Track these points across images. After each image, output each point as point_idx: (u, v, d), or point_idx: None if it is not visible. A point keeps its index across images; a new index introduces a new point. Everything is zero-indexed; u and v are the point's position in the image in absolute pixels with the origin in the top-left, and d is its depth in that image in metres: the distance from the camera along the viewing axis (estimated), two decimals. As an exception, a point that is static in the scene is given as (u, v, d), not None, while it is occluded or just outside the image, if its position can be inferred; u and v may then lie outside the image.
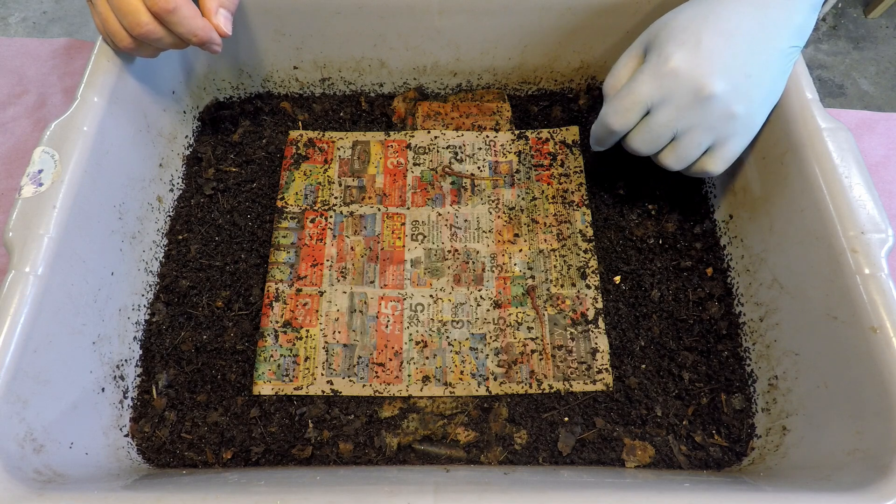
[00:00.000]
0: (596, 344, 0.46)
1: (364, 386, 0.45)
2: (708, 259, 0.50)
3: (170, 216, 0.52)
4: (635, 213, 0.52)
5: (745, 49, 0.41)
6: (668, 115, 0.42)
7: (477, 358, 0.46)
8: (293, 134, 0.56)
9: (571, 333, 0.47)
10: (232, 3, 0.44)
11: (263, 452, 0.43)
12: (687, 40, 0.41)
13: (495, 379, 0.45)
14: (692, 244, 0.51)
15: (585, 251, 0.50)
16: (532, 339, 0.47)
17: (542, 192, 0.53)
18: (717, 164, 0.44)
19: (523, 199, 0.53)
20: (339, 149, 0.56)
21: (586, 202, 0.52)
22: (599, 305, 0.48)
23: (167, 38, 0.42)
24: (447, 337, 0.47)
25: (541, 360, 0.46)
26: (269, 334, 0.47)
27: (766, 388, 0.44)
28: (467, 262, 0.50)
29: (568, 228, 0.51)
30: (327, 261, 0.50)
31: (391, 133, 0.56)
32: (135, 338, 0.46)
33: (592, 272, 0.49)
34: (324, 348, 0.46)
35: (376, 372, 0.46)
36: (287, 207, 0.52)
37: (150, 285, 0.49)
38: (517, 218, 0.52)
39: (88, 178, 0.41)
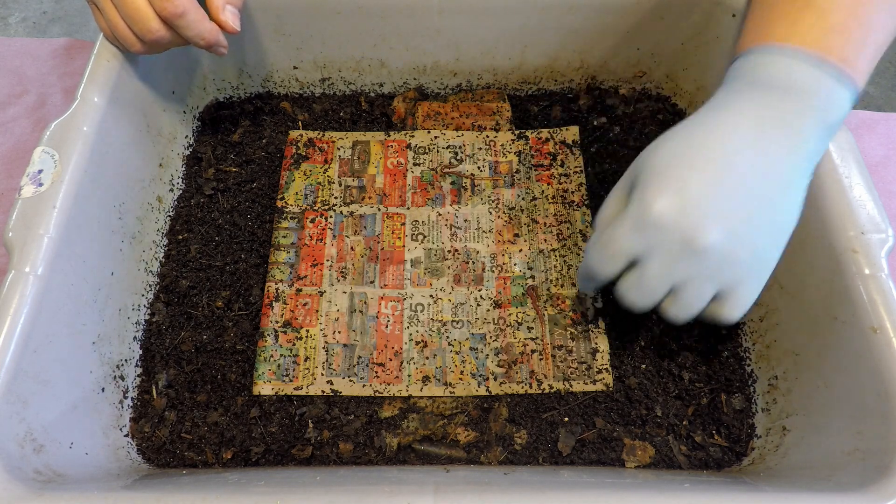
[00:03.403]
0: (596, 344, 0.46)
1: (364, 386, 0.45)
2: (708, 259, 0.50)
3: (170, 216, 0.52)
4: (635, 213, 0.52)
5: (742, 188, 0.34)
6: (660, 269, 0.35)
7: (477, 358, 0.46)
8: (293, 134, 0.56)
9: (571, 333, 0.47)
10: None
11: (263, 452, 0.43)
12: (670, 184, 0.34)
13: (495, 379, 0.45)
14: (692, 244, 0.51)
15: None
16: (532, 339, 0.47)
17: (542, 192, 0.53)
18: (731, 312, 0.36)
19: (523, 199, 0.53)
20: (339, 149, 0.56)
21: (586, 202, 0.52)
22: (599, 305, 0.48)
23: (176, 40, 0.42)
24: (447, 337, 0.47)
25: (541, 360, 0.46)
26: (269, 334, 0.47)
27: (766, 388, 0.44)
28: (467, 262, 0.50)
29: (568, 228, 0.51)
30: (327, 261, 0.50)
31: (391, 133, 0.56)
32: (135, 338, 0.46)
33: (592, 272, 0.49)
34: (324, 348, 0.46)
35: (376, 372, 0.46)
36: (287, 207, 0.52)
37: (150, 285, 0.49)
38: (517, 218, 0.52)
39: (88, 178, 0.41)
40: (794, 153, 0.34)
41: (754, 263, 0.35)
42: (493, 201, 0.53)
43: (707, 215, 0.34)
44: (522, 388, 0.45)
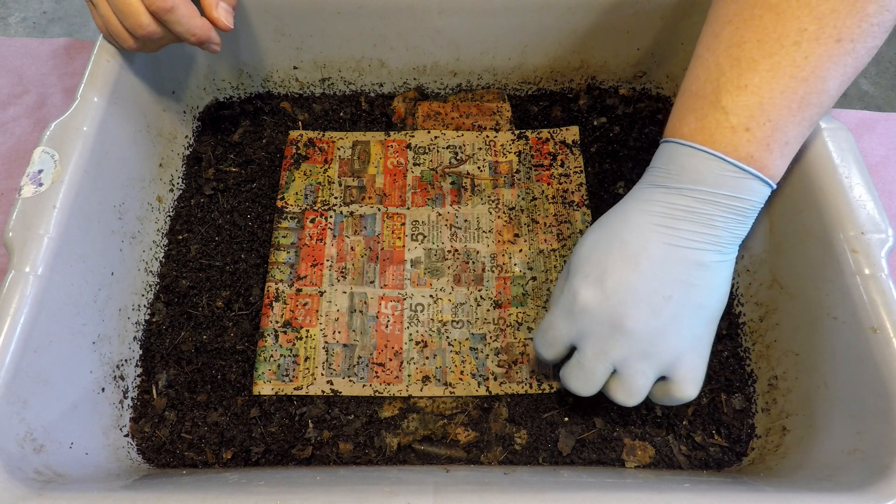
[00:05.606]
0: (596, 344, 0.46)
1: (364, 386, 0.45)
2: (708, 259, 0.50)
3: (170, 216, 0.52)
4: (635, 213, 0.52)
5: (657, 272, 0.36)
6: (595, 348, 0.37)
7: (477, 358, 0.46)
8: (293, 134, 0.56)
9: (571, 333, 0.47)
10: None
11: (263, 452, 0.43)
12: (591, 272, 0.37)
13: (495, 379, 0.45)
14: (692, 244, 0.51)
15: (585, 251, 0.50)
16: (532, 340, 0.47)
17: (542, 192, 0.53)
18: (684, 389, 0.37)
19: (523, 199, 0.53)
20: (339, 149, 0.56)
21: (586, 202, 0.52)
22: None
23: (168, 36, 0.42)
24: (447, 337, 0.47)
25: (541, 360, 0.46)
26: (269, 334, 0.47)
27: (766, 388, 0.44)
28: (467, 262, 0.50)
29: (568, 228, 0.51)
30: (327, 261, 0.50)
31: (391, 133, 0.56)
32: (135, 338, 0.46)
33: (592, 272, 0.49)
34: (324, 348, 0.46)
35: (376, 372, 0.46)
36: (287, 207, 0.52)
37: (150, 285, 0.49)
38: (517, 218, 0.52)
39: (88, 178, 0.41)
40: (702, 239, 0.37)
41: (687, 340, 0.37)
42: (493, 201, 0.53)
43: (627, 298, 0.36)
44: (522, 388, 0.45)
